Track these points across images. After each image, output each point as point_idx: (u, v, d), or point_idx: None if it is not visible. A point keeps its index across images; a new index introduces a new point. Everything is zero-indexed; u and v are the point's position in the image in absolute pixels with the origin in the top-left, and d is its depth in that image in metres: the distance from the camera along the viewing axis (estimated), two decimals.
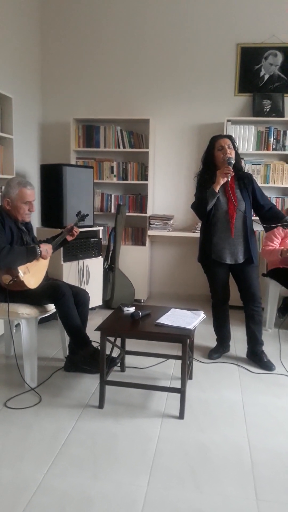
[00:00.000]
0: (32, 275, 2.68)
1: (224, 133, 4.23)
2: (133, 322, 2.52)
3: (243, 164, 3.46)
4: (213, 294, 3.18)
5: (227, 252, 2.99)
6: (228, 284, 3.16)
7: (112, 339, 2.67)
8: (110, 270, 4.34)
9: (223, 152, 2.87)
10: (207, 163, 2.98)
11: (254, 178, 3.07)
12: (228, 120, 4.29)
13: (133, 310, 2.64)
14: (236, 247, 2.98)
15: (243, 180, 2.97)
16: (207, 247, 3.04)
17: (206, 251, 3.05)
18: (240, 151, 3.28)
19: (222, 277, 3.11)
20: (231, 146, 2.90)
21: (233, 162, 2.84)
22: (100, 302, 4.26)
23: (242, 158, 3.72)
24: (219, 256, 3.00)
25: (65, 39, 4.61)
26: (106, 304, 4.35)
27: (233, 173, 2.84)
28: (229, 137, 2.95)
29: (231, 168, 2.80)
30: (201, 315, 2.64)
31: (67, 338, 2.90)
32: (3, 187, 3.47)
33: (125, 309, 2.70)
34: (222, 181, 2.82)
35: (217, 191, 2.82)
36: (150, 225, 4.52)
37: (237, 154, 2.95)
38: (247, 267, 3.01)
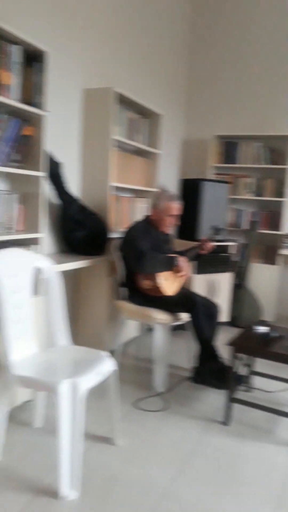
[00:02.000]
0: (170, 283, 2.78)
1: None
2: (265, 342, 2.45)
3: None
4: None
5: None
6: None
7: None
8: (239, 287, 4.28)
9: None
10: None
11: None
12: None
13: (266, 330, 2.56)
14: None
15: None
16: None
17: None
18: None
19: None
20: None
21: None
22: (226, 318, 4.22)
23: None
24: None
25: (211, 58, 4.72)
26: (232, 321, 4.29)
27: None
28: None
29: None
30: None
31: (194, 349, 2.93)
32: (148, 199, 3.68)
33: (257, 328, 2.63)
34: None
35: None
36: (284, 244, 4.34)
37: None
38: None
